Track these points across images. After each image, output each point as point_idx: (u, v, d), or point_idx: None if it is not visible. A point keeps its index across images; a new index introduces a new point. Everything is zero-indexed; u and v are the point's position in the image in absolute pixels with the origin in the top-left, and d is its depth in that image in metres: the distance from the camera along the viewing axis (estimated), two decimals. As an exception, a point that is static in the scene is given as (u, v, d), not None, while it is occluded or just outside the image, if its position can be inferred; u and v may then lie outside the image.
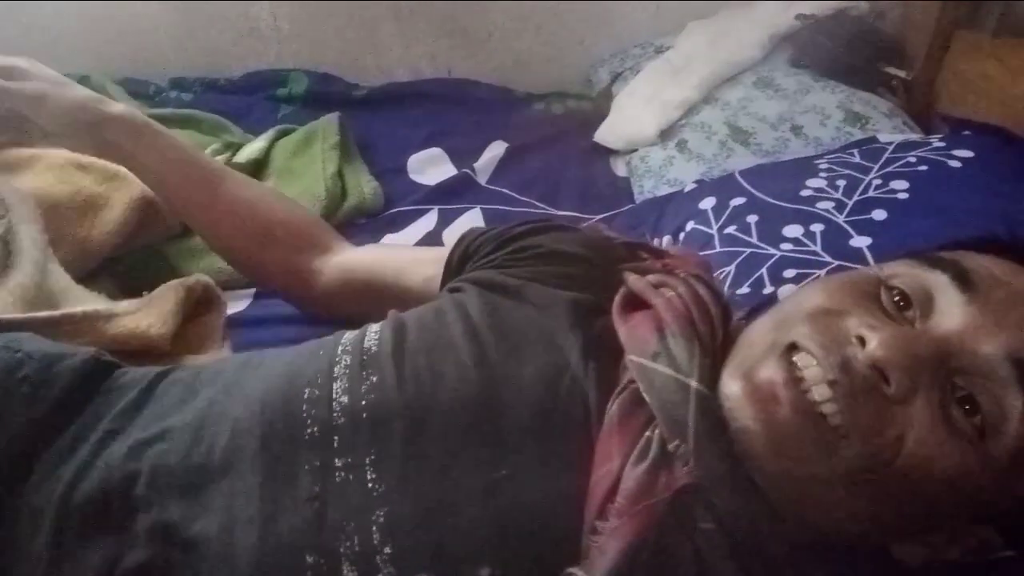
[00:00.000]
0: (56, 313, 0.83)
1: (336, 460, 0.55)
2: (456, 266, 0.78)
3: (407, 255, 0.87)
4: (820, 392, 0.51)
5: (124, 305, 0.88)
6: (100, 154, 1.06)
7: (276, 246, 0.90)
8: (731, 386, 0.54)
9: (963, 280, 0.54)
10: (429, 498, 0.53)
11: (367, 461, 0.55)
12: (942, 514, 0.53)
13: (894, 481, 0.50)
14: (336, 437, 0.56)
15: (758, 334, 0.58)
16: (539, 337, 0.62)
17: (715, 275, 0.82)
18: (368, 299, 0.85)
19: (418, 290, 0.80)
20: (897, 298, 0.55)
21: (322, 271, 0.89)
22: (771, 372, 0.53)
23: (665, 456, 0.53)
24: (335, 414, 0.57)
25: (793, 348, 0.53)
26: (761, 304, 0.91)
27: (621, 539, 0.50)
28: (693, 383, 0.55)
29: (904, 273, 0.56)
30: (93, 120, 0.90)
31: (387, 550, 0.51)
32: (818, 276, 0.92)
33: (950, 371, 0.51)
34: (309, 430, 0.57)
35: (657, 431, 0.55)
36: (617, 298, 0.65)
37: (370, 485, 0.54)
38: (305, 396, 0.59)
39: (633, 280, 0.67)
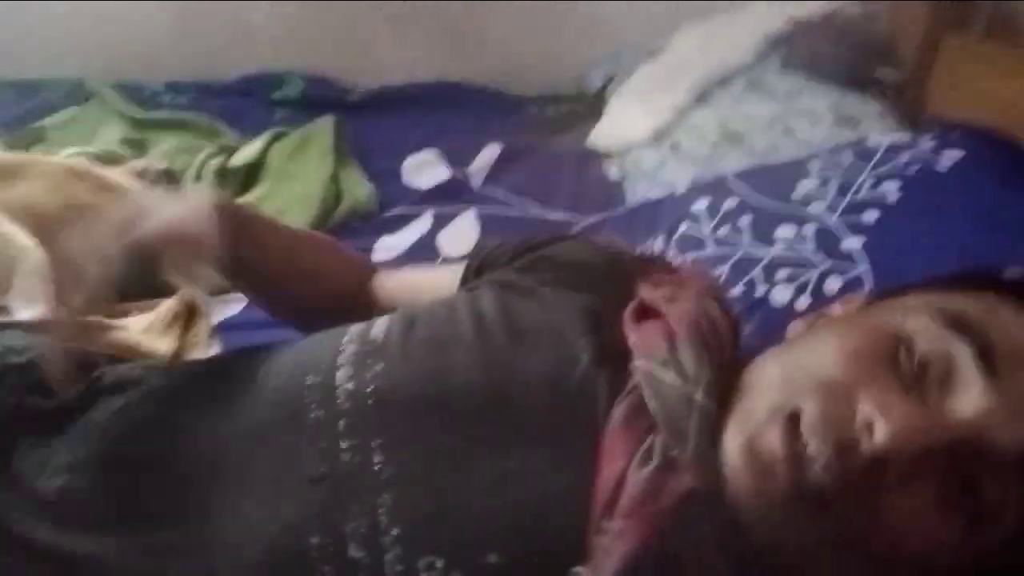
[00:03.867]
0: (42, 319, 0.83)
1: (342, 443, 0.55)
2: (472, 278, 0.78)
3: (432, 283, 0.84)
4: (817, 472, 0.50)
5: (133, 321, 0.89)
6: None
7: (337, 298, 0.85)
8: (730, 440, 0.54)
9: (987, 358, 0.52)
10: (437, 483, 0.54)
11: (373, 445, 0.55)
12: None
13: (868, 555, 0.51)
14: (342, 421, 0.57)
15: (764, 387, 0.57)
16: (550, 336, 0.62)
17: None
18: None
19: None
20: (917, 367, 0.53)
21: (371, 304, 0.85)
22: (771, 441, 0.52)
23: (669, 461, 0.53)
24: (339, 400, 0.58)
25: (795, 417, 0.52)
26: (752, 306, 0.93)
27: (627, 542, 0.50)
28: (697, 396, 0.55)
29: (928, 334, 0.54)
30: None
31: (394, 531, 0.52)
32: (806, 288, 0.92)
33: (962, 460, 0.50)
34: (313, 414, 0.57)
35: (660, 436, 0.55)
36: (630, 306, 0.65)
37: (376, 468, 0.54)
38: (307, 383, 0.59)
39: (646, 291, 0.67)
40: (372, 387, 0.58)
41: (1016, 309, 0.55)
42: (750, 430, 0.53)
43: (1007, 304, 0.56)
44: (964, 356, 0.52)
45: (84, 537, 0.56)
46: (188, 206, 0.66)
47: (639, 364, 0.58)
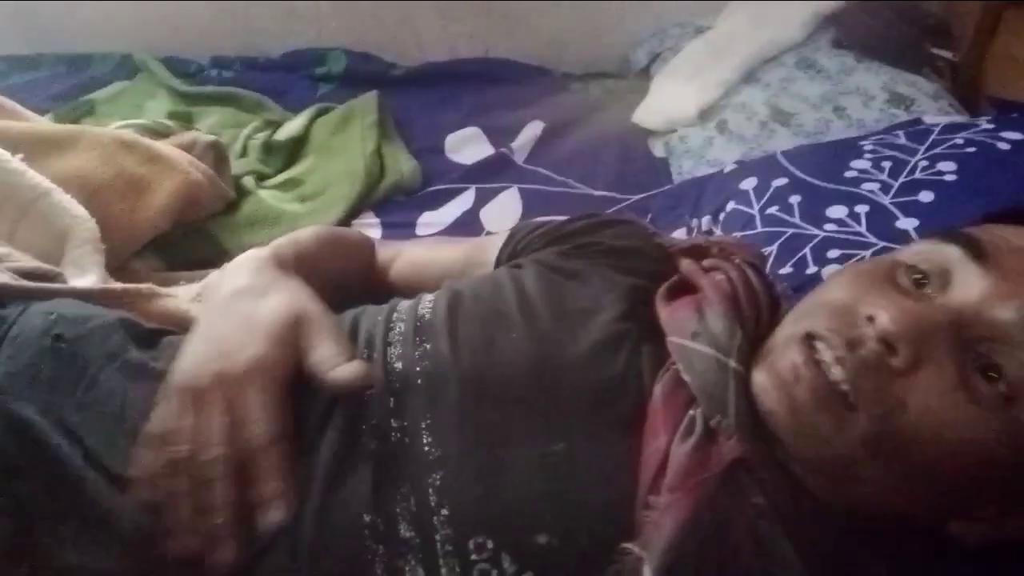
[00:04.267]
0: (95, 287, 0.85)
1: (392, 421, 0.56)
2: (506, 261, 0.77)
3: (449, 260, 0.84)
4: (835, 372, 0.52)
5: (182, 290, 0.89)
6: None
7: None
8: (757, 376, 0.55)
9: (977, 251, 0.54)
10: (485, 464, 0.54)
11: (423, 426, 0.55)
12: (981, 485, 0.53)
13: (912, 451, 0.51)
14: (392, 399, 0.57)
15: (781, 328, 0.59)
16: (595, 317, 0.62)
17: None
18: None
19: None
20: (917, 276, 0.56)
21: (383, 280, 0.88)
22: (791, 357, 0.54)
23: (710, 432, 0.54)
24: (391, 379, 0.58)
25: (810, 337, 0.54)
26: (803, 284, 0.91)
27: (676, 514, 0.50)
28: (732, 362, 0.55)
29: (920, 251, 0.57)
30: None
31: (444, 512, 0.52)
32: (857, 259, 0.91)
33: (970, 340, 0.51)
34: (367, 392, 0.57)
35: (699, 409, 0.55)
36: (665, 285, 0.65)
37: (426, 448, 0.54)
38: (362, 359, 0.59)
39: (686, 264, 0.67)
40: (420, 368, 0.58)
41: (1004, 224, 0.58)
42: (771, 360, 0.56)
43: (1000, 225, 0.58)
44: (956, 256, 0.55)
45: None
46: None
47: (671, 340, 0.59)
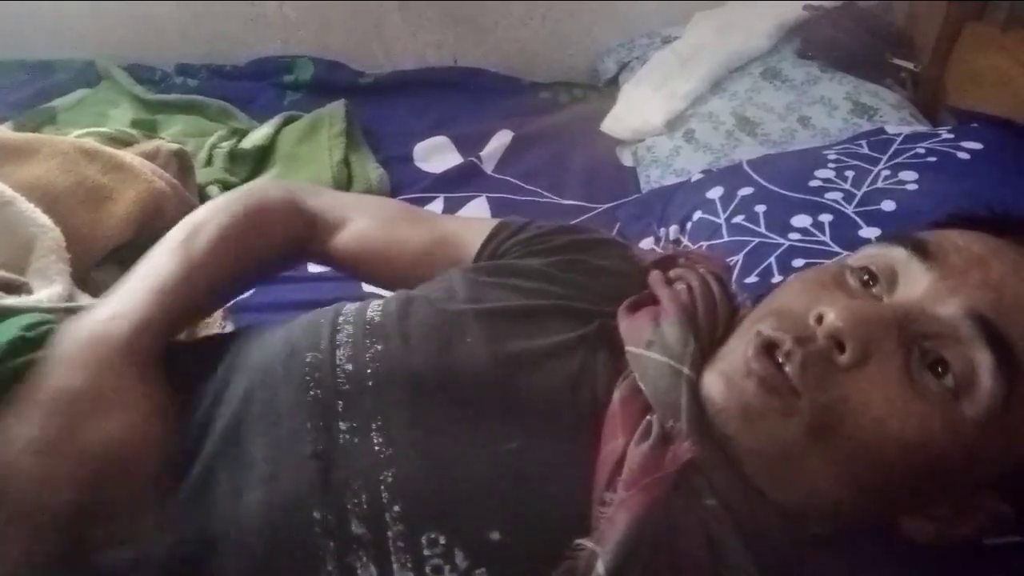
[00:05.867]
0: (72, 304, 0.83)
1: (340, 423, 0.55)
2: (487, 259, 0.75)
3: (417, 250, 0.78)
4: (786, 368, 0.53)
5: None
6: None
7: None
8: (707, 377, 0.56)
9: (922, 251, 0.55)
10: (438, 463, 0.54)
11: (373, 427, 0.55)
12: (929, 482, 0.53)
13: (855, 444, 0.51)
14: (340, 402, 0.56)
15: (734, 336, 0.60)
16: (553, 324, 0.63)
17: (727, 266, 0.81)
18: (382, 280, 0.83)
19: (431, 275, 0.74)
20: (865, 277, 0.57)
21: (334, 254, 0.81)
22: (741, 357, 0.55)
23: (666, 435, 0.55)
24: (339, 380, 0.57)
25: (759, 336, 0.55)
26: (768, 294, 0.92)
27: (630, 510, 0.50)
28: (685, 369, 0.56)
29: (868, 254, 0.59)
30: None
31: (396, 508, 0.52)
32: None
33: (916, 336, 0.52)
34: (311, 393, 0.57)
35: (655, 415, 0.56)
36: (628, 299, 0.66)
37: (376, 448, 0.54)
38: (308, 360, 0.59)
39: (653, 276, 0.68)
40: (371, 369, 0.58)
41: (955, 230, 0.59)
42: (721, 361, 0.57)
43: (948, 229, 0.59)
44: (901, 255, 0.56)
45: None
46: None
47: (629, 349, 0.60)
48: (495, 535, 0.51)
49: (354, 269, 0.82)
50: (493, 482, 0.53)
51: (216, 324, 0.94)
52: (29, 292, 0.85)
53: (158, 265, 0.68)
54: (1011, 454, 0.53)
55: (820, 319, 0.53)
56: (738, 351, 0.55)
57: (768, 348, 0.54)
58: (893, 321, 0.53)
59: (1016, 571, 0.61)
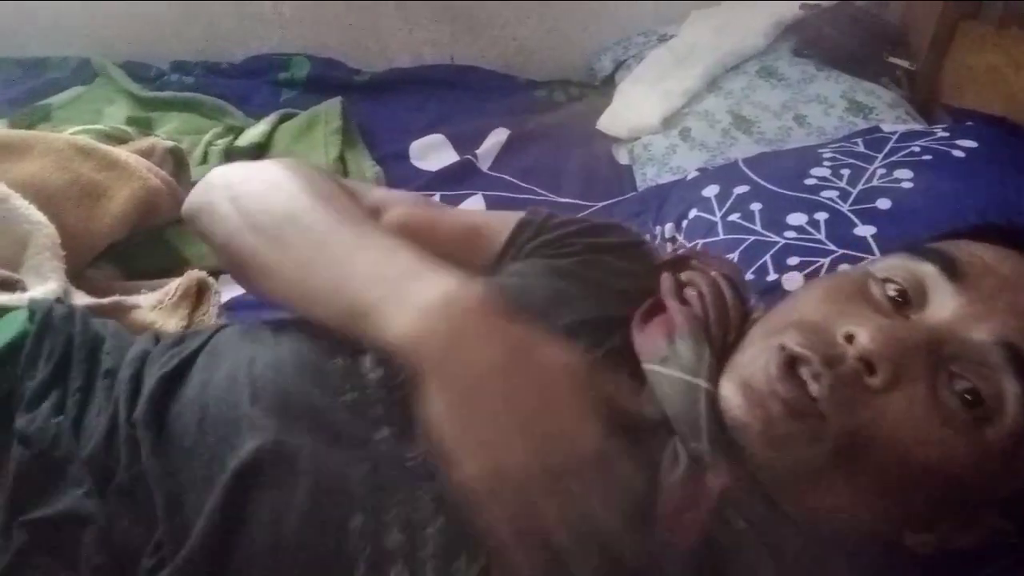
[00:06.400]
0: (89, 302, 0.84)
1: (378, 433, 0.54)
2: (523, 245, 0.73)
3: (448, 236, 0.74)
4: (813, 388, 0.52)
5: (143, 299, 0.88)
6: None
7: None
8: (725, 386, 0.55)
9: (952, 270, 0.55)
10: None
11: (411, 436, 0.53)
12: (945, 501, 0.53)
13: (880, 468, 0.51)
14: (379, 406, 0.55)
15: (751, 340, 0.59)
16: (580, 338, 0.60)
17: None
18: None
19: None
20: (894, 293, 0.56)
21: None
22: (766, 369, 0.53)
23: (696, 459, 0.53)
24: (368, 389, 0.56)
25: (783, 350, 0.54)
26: (764, 292, 0.92)
27: (677, 551, 0.50)
28: (703, 383, 0.55)
29: (896, 267, 0.57)
30: None
31: (438, 522, 0.50)
32: (818, 273, 0.92)
33: (943, 359, 0.52)
34: (345, 397, 0.55)
35: (677, 436, 0.55)
36: (641, 307, 0.64)
37: (410, 461, 0.52)
38: (333, 365, 0.57)
39: (664, 280, 0.67)
40: (400, 378, 0.55)
41: (976, 241, 0.58)
42: (741, 372, 0.55)
43: (972, 242, 0.59)
44: (931, 273, 0.55)
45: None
46: None
47: (645, 367, 0.58)
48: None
49: None
50: None
51: (211, 323, 0.94)
52: (24, 289, 0.85)
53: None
54: (1022, 477, 0.53)
55: (850, 338, 0.52)
56: (758, 364, 0.54)
57: (791, 364, 0.53)
58: (924, 344, 0.52)
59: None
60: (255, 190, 0.63)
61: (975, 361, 0.51)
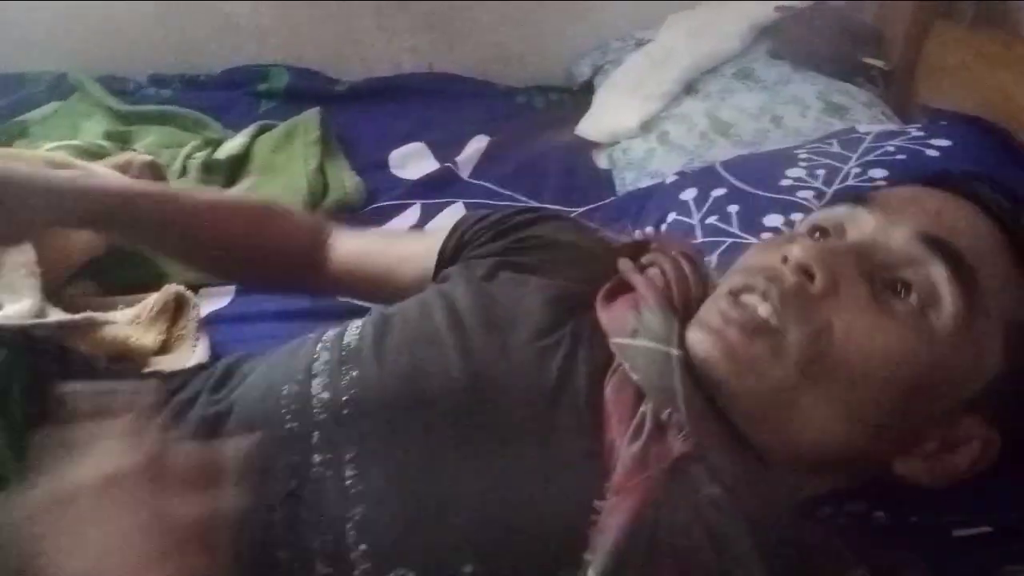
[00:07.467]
0: (60, 319, 0.84)
1: (315, 456, 0.55)
2: (450, 255, 0.76)
3: (395, 252, 0.82)
4: (762, 309, 0.55)
5: (120, 315, 0.88)
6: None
7: (283, 263, 0.84)
8: (689, 334, 0.58)
9: (863, 201, 0.61)
10: (411, 497, 0.52)
11: (347, 458, 0.54)
12: (915, 407, 0.54)
13: (844, 370, 0.53)
14: (316, 433, 0.56)
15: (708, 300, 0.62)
16: (525, 328, 0.62)
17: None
18: (367, 293, 0.84)
19: (409, 286, 0.76)
20: (816, 234, 0.61)
21: (323, 267, 0.83)
22: (718, 307, 0.57)
23: (659, 429, 0.54)
24: (315, 410, 0.57)
25: (732, 292, 0.57)
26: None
27: (620, 515, 0.50)
28: (674, 350, 0.56)
29: (814, 216, 0.64)
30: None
31: (362, 547, 0.51)
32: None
33: (873, 268, 0.56)
34: (288, 426, 0.56)
35: (650, 405, 0.55)
36: (605, 287, 0.66)
37: (347, 483, 0.53)
38: (284, 392, 0.58)
39: (622, 263, 0.68)
40: (347, 396, 0.57)
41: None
42: (700, 317, 0.59)
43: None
44: (844, 210, 0.61)
45: None
46: None
47: (613, 341, 0.60)
48: (467, 568, 0.50)
49: (347, 280, 0.83)
50: (470, 514, 0.52)
51: (190, 337, 0.93)
52: None
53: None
54: (983, 368, 0.55)
55: (785, 259, 0.56)
56: (712, 308, 0.58)
57: (738, 294, 0.56)
58: (852, 253, 0.56)
59: (984, 561, 0.62)
60: None
61: (902, 262, 0.55)
